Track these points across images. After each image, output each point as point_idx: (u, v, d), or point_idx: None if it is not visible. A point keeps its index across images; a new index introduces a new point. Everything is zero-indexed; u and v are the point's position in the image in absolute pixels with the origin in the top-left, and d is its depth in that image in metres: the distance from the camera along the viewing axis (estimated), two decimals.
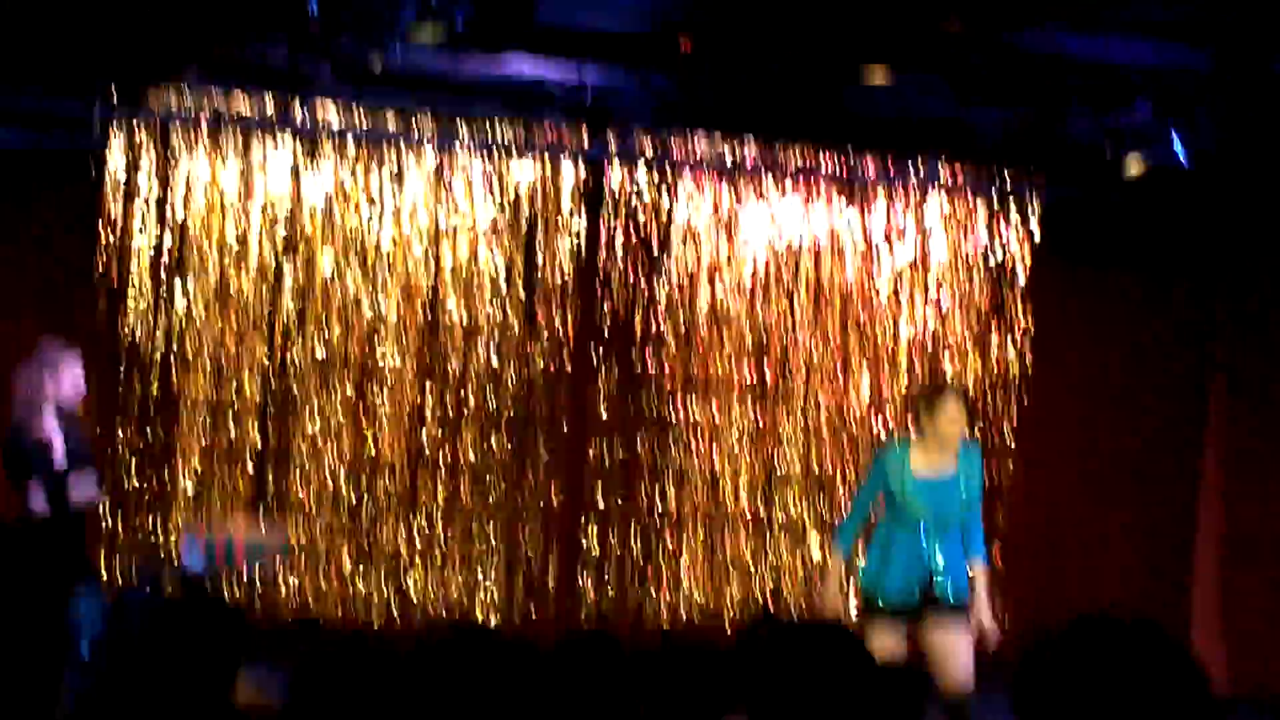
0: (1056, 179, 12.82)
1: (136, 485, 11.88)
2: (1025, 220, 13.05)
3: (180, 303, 11.91)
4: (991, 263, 13.05)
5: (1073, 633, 3.80)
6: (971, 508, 8.95)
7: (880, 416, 12.94)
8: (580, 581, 12.69)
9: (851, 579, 9.36)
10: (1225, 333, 13.24)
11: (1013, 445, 12.90)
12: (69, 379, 9.30)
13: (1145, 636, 3.76)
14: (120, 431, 11.81)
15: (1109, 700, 3.72)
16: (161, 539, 11.82)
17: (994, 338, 13.06)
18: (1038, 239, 13.05)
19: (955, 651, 8.65)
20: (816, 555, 12.88)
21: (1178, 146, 11.18)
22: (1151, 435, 13.27)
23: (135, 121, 11.70)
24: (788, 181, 12.82)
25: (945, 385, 10.59)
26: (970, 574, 8.87)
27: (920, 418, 9.01)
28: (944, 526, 8.80)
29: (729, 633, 12.51)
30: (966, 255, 13.03)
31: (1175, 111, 10.78)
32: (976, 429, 12.02)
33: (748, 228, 12.81)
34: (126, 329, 11.82)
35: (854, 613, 9.25)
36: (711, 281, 12.78)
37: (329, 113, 11.95)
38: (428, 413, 12.35)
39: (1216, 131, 10.92)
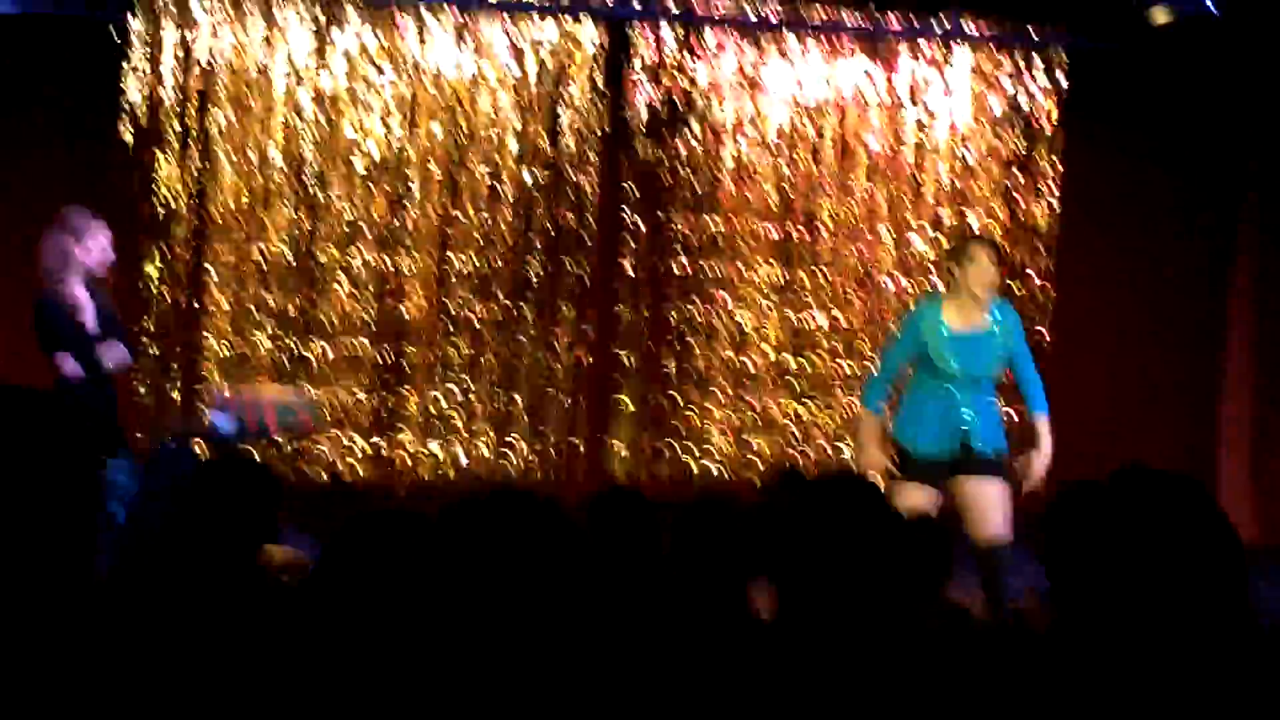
0: (1082, 31, 12.73)
1: (166, 351, 11.92)
2: (1051, 73, 12.99)
3: (206, 167, 11.90)
4: (1018, 117, 13.00)
5: (1109, 484, 3.82)
6: (1025, 365, 8.96)
7: (906, 272, 12.93)
8: (609, 439, 12.74)
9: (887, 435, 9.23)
10: (1255, 181, 13.18)
11: (1042, 298, 12.88)
12: (96, 246, 9.32)
13: (1179, 489, 3.77)
14: (149, 297, 11.83)
15: (1139, 547, 3.74)
16: (192, 403, 11.88)
17: (1020, 192, 13.03)
18: (1065, 91, 13.00)
19: (988, 503, 8.63)
20: (843, 410, 12.93)
21: None
22: (1180, 286, 13.26)
23: None
24: (810, 39, 12.77)
25: (976, 237, 10.48)
26: (1031, 426, 8.90)
27: (952, 271, 8.98)
28: (976, 381, 8.78)
29: (757, 486, 12.58)
30: (992, 109, 12.99)
31: None
32: (1006, 282, 11.98)
33: (772, 85, 12.76)
34: (153, 195, 11.82)
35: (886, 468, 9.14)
36: (736, 139, 12.74)
37: None
38: (454, 276, 12.35)
39: None
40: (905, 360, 9.06)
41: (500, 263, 12.40)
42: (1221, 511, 3.80)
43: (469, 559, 3.19)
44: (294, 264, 12.11)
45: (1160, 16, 11.60)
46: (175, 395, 11.96)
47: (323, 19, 11.96)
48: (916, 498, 8.47)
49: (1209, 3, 11.06)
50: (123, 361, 9.61)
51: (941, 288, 9.32)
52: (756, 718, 3.47)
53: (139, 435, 11.21)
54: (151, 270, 11.84)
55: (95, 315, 9.33)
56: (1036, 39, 12.90)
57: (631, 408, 12.74)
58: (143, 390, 11.82)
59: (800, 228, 12.83)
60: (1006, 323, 8.90)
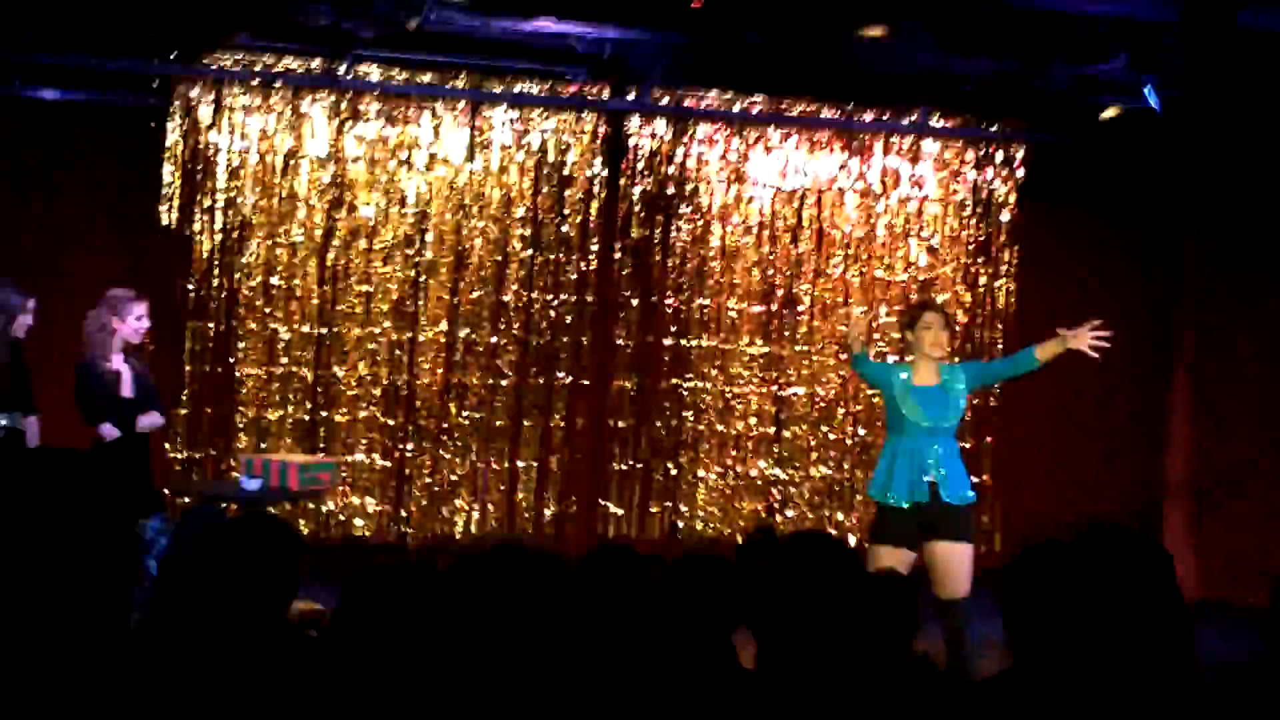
0: (1038, 126, 12.81)
1: (198, 416, 11.92)
2: (1010, 164, 13.07)
3: (236, 248, 11.92)
4: (980, 204, 13.07)
5: (1073, 542, 3.83)
6: (984, 367, 9.62)
7: (877, 345, 12.96)
8: (604, 500, 12.74)
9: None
10: (1194, 265, 13.23)
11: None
12: (133, 319, 9.39)
13: (1139, 550, 3.78)
14: (185, 367, 11.84)
15: (1096, 604, 3.74)
16: (223, 465, 11.88)
17: (982, 273, 13.09)
18: (1021, 181, 13.08)
19: (954, 566, 8.63)
20: (821, 472, 12.95)
21: (1150, 94, 11.15)
22: (1127, 356, 13.27)
23: (193, 80, 11.70)
24: (792, 132, 12.84)
25: (925, 302, 10.53)
26: (1038, 356, 9.10)
27: (905, 335, 9.20)
28: (941, 431, 8.83)
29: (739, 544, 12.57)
30: (957, 197, 13.05)
31: (1147, 62, 10.73)
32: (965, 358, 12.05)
33: (755, 174, 12.82)
34: (189, 274, 11.84)
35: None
36: (722, 223, 12.79)
37: (371, 71, 11.94)
38: (461, 348, 12.37)
39: (1185, 80, 10.89)
40: (874, 368, 9.58)
41: (504, 338, 12.41)
42: (1172, 573, 3.81)
43: (475, 609, 3.19)
44: (316, 337, 12.12)
45: (1109, 112, 11.68)
46: (207, 455, 11.95)
47: (344, 109, 12.00)
48: (892, 560, 8.37)
49: (1152, 100, 11.11)
50: (157, 425, 9.66)
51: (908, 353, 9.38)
52: None
53: (172, 493, 11.22)
54: (187, 343, 11.86)
55: (132, 383, 9.38)
56: (997, 133, 12.97)
57: (623, 470, 12.74)
58: (176, 453, 11.82)
59: (780, 304, 12.86)
60: (954, 373, 9.01)
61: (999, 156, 13.09)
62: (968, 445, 9.97)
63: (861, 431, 12.90)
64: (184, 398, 11.74)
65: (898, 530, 8.70)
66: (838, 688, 3.53)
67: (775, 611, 3.60)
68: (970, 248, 13.10)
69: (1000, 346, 12.91)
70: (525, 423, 12.54)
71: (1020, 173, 13.09)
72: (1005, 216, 13.11)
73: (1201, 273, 13.17)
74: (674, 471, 12.81)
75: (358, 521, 12.27)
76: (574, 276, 12.53)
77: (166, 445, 11.56)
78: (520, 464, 12.55)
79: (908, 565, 8.46)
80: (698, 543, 12.44)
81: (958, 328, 12.57)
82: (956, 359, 9.73)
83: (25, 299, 9.47)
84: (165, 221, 11.72)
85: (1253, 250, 12.77)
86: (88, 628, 2.69)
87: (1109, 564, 3.81)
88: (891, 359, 12.13)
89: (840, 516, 12.95)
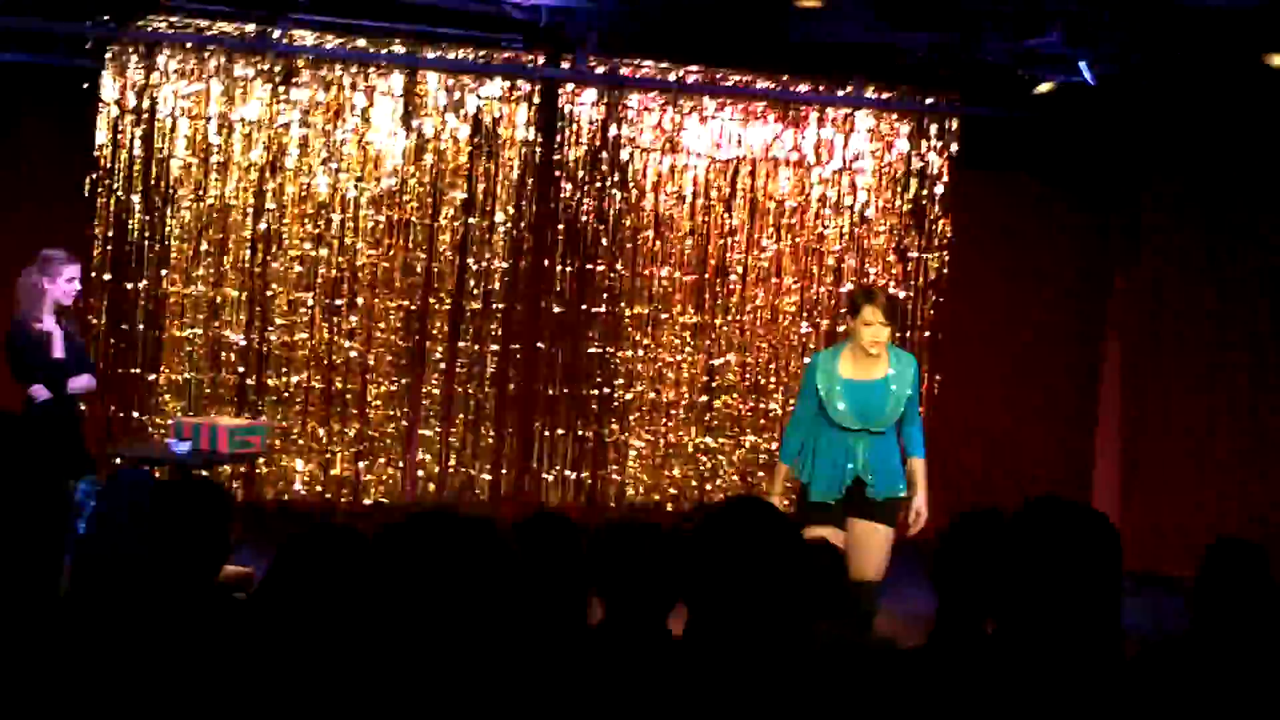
0: (972, 98, 12.84)
1: (128, 379, 11.86)
2: (944, 136, 13.10)
3: (167, 210, 11.87)
4: (913, 176, 13.10)
5: (1017, 512, 3.85)
6: (910, 412, 8.66)
7: (809, 317, 13.00)
8: (535, 465, 12.74)
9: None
10: (1121, 235, 13.30)
11: (932, 342, 13.01)
12: (64, 280, 9.34)
13: (1081, 519, 3.82)
14: (114, 328, 11.78)
15: (1030, 569, 3.77)
16: (152, 428, 11.82)
17: (914, 245, 13.13)
18: (955, 154, 13.11)
19: (872, 546, 8.40)
20: (749, 441, 12.98)
21: (1085, 68, 11.21)
22: (1057, 328, 13.38)
23: (126, 43, 11.62)
24: (727, 102, 12.85)
25: (867, 292, 9.96)
26: (906, 470, 8.61)
27: (847, 323, 8.84)
28: (869, 427, 8.52)
29: (669, 510, 12.64)
30: (890, 169, 13.09)
31: (1082, 37, 10.77)
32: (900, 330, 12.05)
33: (690, 143, 12.82)
34: (120, 235, 11.78)
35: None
36: (656, 192, 12.79)
37: (305, 36, 11.89)
38: (394, 314, 12.34)
39: (1119, 55, 10.94)
40: (813, 410, 8.69)
41: (437, 303, 12.39)
42: (1115, 541, 3.84)
43: (405, 574, 3.19)
44: (246, 301, 12.07)
45: (1044, 86, 11.72)
46: (137, 417, 11.89)
47: (278, 75, 11.94)
48: (815, 533, 8.32)
49: (1086, 74, 11.17)
50: (88, 387, 9.61)
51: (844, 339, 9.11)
52: (660, 711, 3.48)
53: (101, 455, 11.16)
54: (117, 304, 11.79)
55: (63, 344, 9.32)
56: (932, 105, 13.00)
57: (555, 436, 12.74)
58: (106, 411, 11.76)
59: (712, 273, 12.88)
60: (904, 372, 8.65)
61: (933, 129, 13.11)
62: None
63: (792, 401, 12.92)
64: (111, 361, 11.67)
65: (821, 516, 8.42)
66: (759, 655, 3.54)
67: (709, 578, 3.61)
68: (903, 219, 13.13)
69: (932, 314, 12.92)
70: (456, 388, 12.52)
71: (954, 146, 13.11)
72: (939, 189, 13.14)
73: (1134, 241, 13.21)
74: (605, 438, 12.82)
75: (295, 486, 12.25)
76: (507, 243, 12.50)
77: (97, 406, 11.51)
78: (452, 429, 12.54)
79: (839, 541, 8.14)
80: (627, 510, 12.46)
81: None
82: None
83: None
84: (97, 182, 11.65)
85: (1187, 221, 12.82)
86: (17, 588, 2.68)
87: (1048, 535, 3.83)
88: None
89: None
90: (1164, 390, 12.99)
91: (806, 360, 12.57)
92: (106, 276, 11.73)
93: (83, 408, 9.96)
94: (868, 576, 8.36)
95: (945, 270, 13.12)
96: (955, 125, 13.11)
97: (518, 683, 3.23)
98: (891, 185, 13.12)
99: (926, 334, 13.05)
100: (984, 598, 4.40)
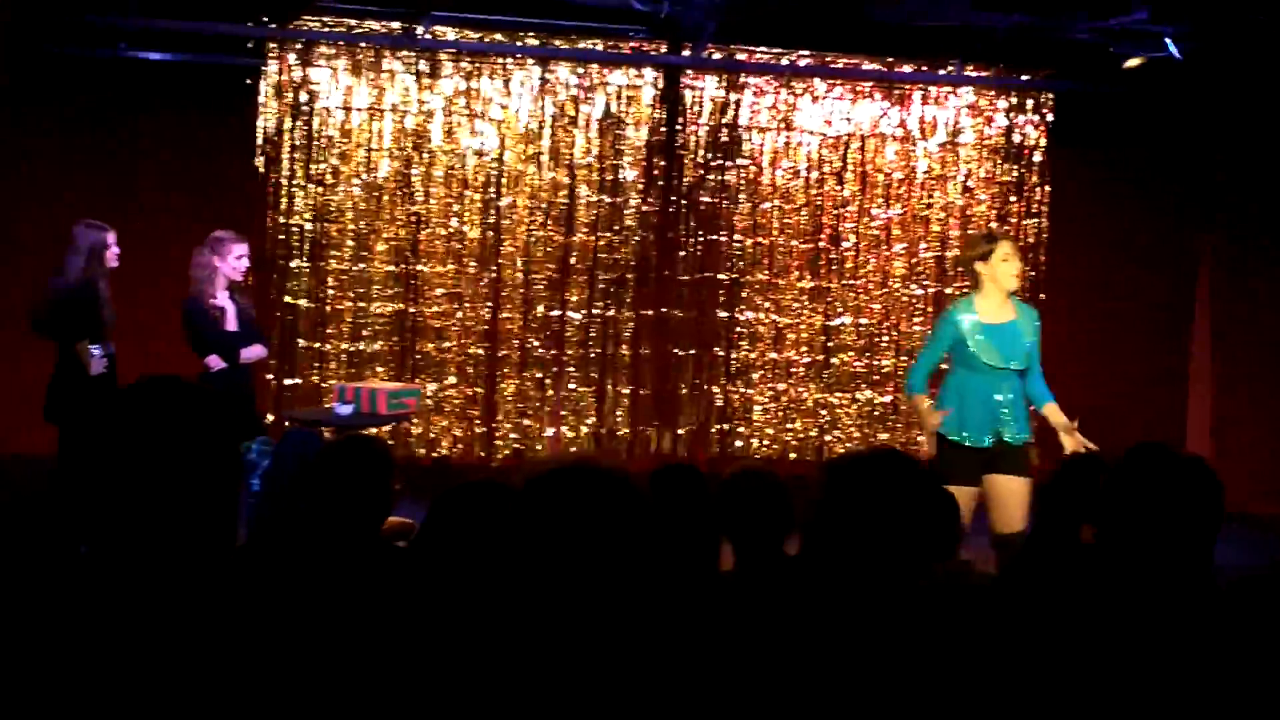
0: (1064, 75, 12.68)
1: (295, 347, 12.00)
2: (1040, 111, 12.96)
3: (325, 194, 11.98)
4: (1012, 148, 12.98)
5: (1125, 457, 3.80)
6: (1034, 363, 8.33)
7: (917, 280, 12.92)
8: (668, 421, 12.76)
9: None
10: (1208, 203, 13.13)
11: (1032, 304, 12.88)
12: (232, 258, 9.42)
13: (1187, 465, 3.77)
14: (281, 303, 11.91)
15: (1139, 510, 3.73)
16: (317, 393, 11.94)
17: (1014, 213, 12.99)
18: (1050, 125, 12.96)
19: (1016, 501, 8.02)
20: (865, 395, 12.92)
21: (1170, 44, 11.03)
22: (1151, 291, 13.24)
23: (283, 41, 11.73)
24: (836, 84, 12.78)
25: (990, 233, 9.50)
26: (1045, 413, 8.24)
27: (977, 267, 8.27)
28: (1009, 371, 8.21)
29: (791, 460, 12.63)
30: (988, 142, 12.97)
31: (1168, 14, 10.60)
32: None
33: (802, 122, 12.76)
34: (283, 216, 11.91)
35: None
36: (773, 168, 12.75)
37: (446, 31, 11.94)
38: (539, 285, 12.40)
39: (1205, 31, 10.77)
40: (940, 357, 8.39)
41: (574, 274, 12.44)
42: (1218, 486, 3.78)
43: (550, 523, 3.19)
44: (400, 276, 12.17)
45: (1132, 62, 11.54)
46: (304, 383, 12.03)
47: (424, 68, 12.01)
48: (961, 498, 7.91)
49: (1172, 49, 10.99)
50: (258, 357, 9.71)
51: (973, 289, 8.68)
52: (790, 648, 3.46)
53: (273, 418, 11.30)
54: (282, 281, 11.93)
55: (236, 317, 9.42)
56: (1027, 81, 12.86)
57: (684, 395, 12.76)
58: (276, 378, 11.91)
59: (828, 243, 12.83)
60: (1029, 316, 8.36)
61: (1029, 103, 12.97)
62: None
63: (904, 358, 12.84)
64: (279, 332, 11.81)
65: (965, 468, 8.05)
66: (884, 595, 3.51)
67: (833, 520, 3.59)
68: (1003, 188, 13.01)
69: (1032, 275, 12.74)
70: (594, 352, 12.56)
71: (1050, 118, 12.97)
72: (1036, 158, 13.00)
73: (1220, 210, 13.06)
74: (731, 396, 12.82)
75: (446, 444, 12.35)
76: (637, 218, 12.52)
77: (266, 374, 11.66)
78: (590, 389, 12.59)
79: (974, 501, 8.02)
80: (752, 461, 12.46)
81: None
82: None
83: (104, 233, 9.49)
84: (261, 171, 11.79)
85: (1271, 189, 12.61)
86: (199, 541, 2.71)
87: (1151, 475, 3.78)
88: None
89: (884, 437, 12.91)
90: (1250, 351, 12.82)
91: (918, 320, 12.55)
92: (277, 257, 11.88)
93: (255, 376, 10.07)
94: (1015, 529, 8.01)
95: (1044, 236, 12.98)
96: (1049, 100, 12.96)
97: (655, 626, 3.23)
98: (992, 157, 13.00)
99: (1026, 297, 12.92)
100: (1081, 526, 4.36)
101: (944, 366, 8.46)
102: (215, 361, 9.30)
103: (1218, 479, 3.80)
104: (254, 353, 9.57)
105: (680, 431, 12.77)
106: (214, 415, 2.80)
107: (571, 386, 12.55)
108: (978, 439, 8.14)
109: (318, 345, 12.06)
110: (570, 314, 12.48)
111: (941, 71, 12.75)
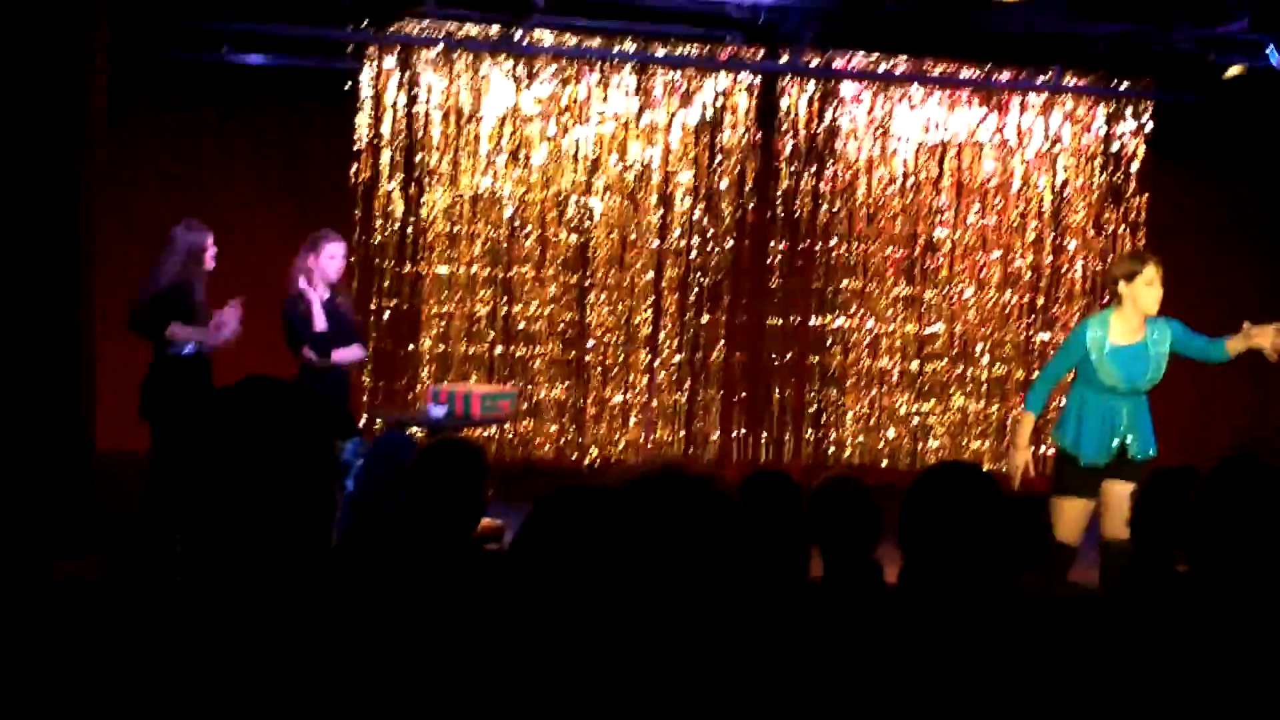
0: (1164, 84, 12.56)
1: (391, 349, 12.08)
2: (1139, 119, 12.85)
3: (423, 197, 12.04)
4: (1109, 157, 12.87)
5: (1219, 470, 3.78)
6: (1196, 340, 8.20)
7: (1013, 288, 12.84)
8: (760, 428, 12.74)
9: (1041, 440, 8.41)
10: None
11: None
12: (326, 256, 9.43)
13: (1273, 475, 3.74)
14: (377, 304, 11.98)
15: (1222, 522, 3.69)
16: (411, 394, 12.01)
17: (1112, 221, 12.88)
18: (1149, 135, 12.85)
19: (1123, 501, 7.97)
20: (958, 404, 12.85)
21: (1272, 53, 10.90)
22: (1248, 300, 13.08)
23: (383, 46, 11.80)
24: (933, 90, 12.72)
25: (1140, 253, 9.32)
26: (1232, 350, 8.16)
27: (1120, 286, 8.12)
28: (1134, 390, 8.08)
29: (882, 469, 12.56)
30: (1087, 150, 12.87)
31: (1269, 23, 10.48)
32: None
33: (898, 129, 12.71)
34: (382, 220, 11.98)
35: (1032, 469, 8.38)
36: (868, 175, 12.70)
37: (544, 36, 11.97)
38: (634, 287, 12.41)
39: None
40: (1066, 370, 8.31)
41: (668, 280, 12.45)
42: None
43: (641, 529, 3.19)
44: (496, 279, 12.21)
45: (1232, 71, 11.41)
46: (398, 385, 12.10)
47: (522, 72, 12.05)
48: (1075, 512, 7.96)
49: (1273, 59, 10.86)
50: (356, 358, 9.74)
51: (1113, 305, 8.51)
52: (877, 660, 3.45)
53: (367, 418, 11.37)
54: (380, 283, 12.00)
55: (329, 317, 9.45)
56: (1126, 90, 12.75)
57: (778, 402, 12.74)
58: (371, 379, 11.99)
59: (922, 251, 12.77)
60: (1162, 331, 8.15)
61: (1128, 112, 12.87)
62: None
63: (997, 367, 12.77)
64: (375, 334, 11.88)
65: (1077, 481, 8.04)
66: (973, 603, 3.50)
67: (923, 532, 3.58)
68: (1101, 197, 12.90)
69: None
70: (688, 357, 12.56)
71: (1149, 126, 12.85)
72: (1134, 167, 12.89)
73: None
74: (824, 403, 12.79)
75: (536, 446, 12.39)
76: (733, 224, 12.51)
77: (363, 375, 11.73)
78: (682, 395, 12.59)
79: (1085, 514, 7.98)
80: (845, 469, 12.41)
81: (1098, 272, 12.48)
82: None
83: (203, 234, 9.55)
84: (359, 174, 11.86)
85: None
86: (294, 540, 2.72)
87: (1242, 490, 3.74)
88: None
89: (976, 445, 12.84)
90: None
91: (1011, 329, 12.47)
92: (374, 259, 11.96)
93: (352, 377, 10.12)
94: (1120, 535, 7.92)
95: (1143, 244, 12.85)
96: (1148, 108, 12.84)
97: (745, 633, 3.22)
98: (1089, 165, 12.90)
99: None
100: (1175, 544, 4.31)
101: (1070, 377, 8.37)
102: (309, 353, 9.30)
103: None
104: (351, 354, 9.58)
105: (772, 439, 12.73)
106: (311, 416, 2.82)
107: (664, 392, 12.55)
108: (1092, 458, 8.05)
109: (412, 347, 12.13)
110: (663, 319, 12.48)
111: (1040, 79, 12.65)
